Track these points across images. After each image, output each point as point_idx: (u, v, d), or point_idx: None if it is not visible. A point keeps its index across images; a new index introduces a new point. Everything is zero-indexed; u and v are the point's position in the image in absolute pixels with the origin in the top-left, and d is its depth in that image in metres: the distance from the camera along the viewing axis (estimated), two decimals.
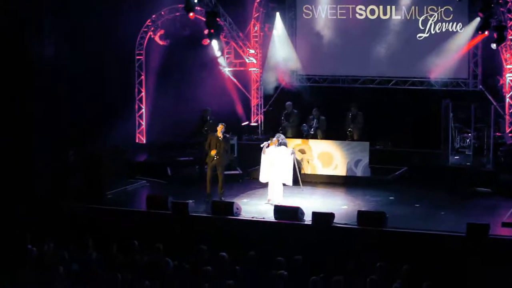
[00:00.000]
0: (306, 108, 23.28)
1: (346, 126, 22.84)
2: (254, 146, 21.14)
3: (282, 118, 23.28)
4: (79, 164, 19.49)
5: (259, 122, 25.76)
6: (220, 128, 18.94)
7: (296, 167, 19.06)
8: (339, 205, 18.60)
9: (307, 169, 21.61)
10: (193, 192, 19.56)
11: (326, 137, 22.57)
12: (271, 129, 24.36)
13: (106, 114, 22.76)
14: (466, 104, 21.46)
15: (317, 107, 22.91)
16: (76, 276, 13.33)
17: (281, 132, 22.43)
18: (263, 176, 18.94)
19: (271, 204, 18.07)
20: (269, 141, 18.85)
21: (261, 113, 25.88)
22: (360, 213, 16.54)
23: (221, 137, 18.84)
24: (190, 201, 17.81)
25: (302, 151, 21.64)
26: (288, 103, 23.41)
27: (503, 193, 19.39)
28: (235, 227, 16.97)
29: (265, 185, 18.95)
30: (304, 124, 22.69)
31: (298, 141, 21.87)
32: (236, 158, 22.41)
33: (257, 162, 20.63)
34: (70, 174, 19.33)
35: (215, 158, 18.84)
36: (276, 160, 18.68)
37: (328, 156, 21.48)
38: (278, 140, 18.77)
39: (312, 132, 22.55)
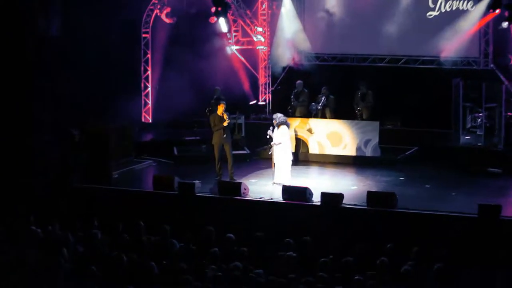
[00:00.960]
0: (315, 87, 23.03)
1: (355, 105, 22.65)
2: (262, 126, 21.03)
3: (292, 97, 23.05)
4: (85, 144, 19.38)
5: (267, 101, 25.59)
6: (220, 107, 18.73)
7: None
8: (348, 186, 18.46)
9: (315, 149, 21.43)
10: (200, 172, 19.46)
11: (335, 116, 22.38)
12: (279, 108, 24.19)
13: (112, 93, 22.67)
14: (477, 83, 21.25)
15: (326, 86, 22.66)
16: (81, 258, 13.20)
17: (290, 111, 22.32)
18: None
19: (279, 184, 17.90)
20: (271, 127, 18.62)
21: (269, 92, 25.70)
22: (369, 194, 16.39)
23: (225, 116, 18.62)
24: (197, 181, 17.69)
25: (311, 131, 21.45)
26: (299, 82, 23.17)
27: None
28: (243, 207, 16.87)
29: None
30: (313, 103, 22.45)
31: (307, 120, 21.67)
32: (243, 137, 22.27)
33: (265, 142, 20.49)
34: (76, 154, 19.22)
35: (223, 137, 18.65)
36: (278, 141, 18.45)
37: (337, 135, 21.30)
38: (276, 121, 18.54)
39: (320, 108, 22.26)
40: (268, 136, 18.61)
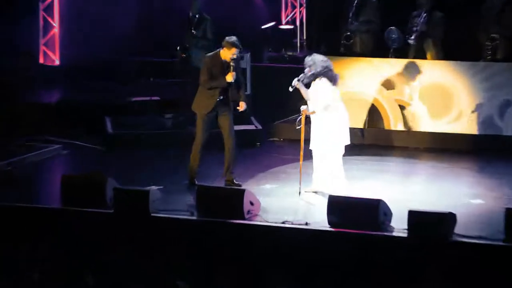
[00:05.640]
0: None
1: (483, 31, 22.67)
2: (287, 73, 20.96)
3: (351, 15, 23.13)
4: None
5: (298, 23, 25.80)
6: (229, 50, 18.67)
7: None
8: (465, 197, 18.49)
9: (398, 123, 21.54)
10: (160, 169, 19.80)
11: (444, 54, 22.54)
12: (320, 38, 24.23)
13: None
14: None
15: None
16: None
17: (345, 42, 22.34)
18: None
19: (320, 194, 18.03)
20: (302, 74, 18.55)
21: (300, 6, 25.77)
22: (510, 215, 16.24)
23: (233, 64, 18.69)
24: (154, 187, 17.77)
25: (388, 85, 21.52)
26: None
27: None
28: (248, 241, 16.81)
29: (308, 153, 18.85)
30: (392, 28, 22.46)
31: (380, 62, 21.86)
32: (250, 96, 22.34)
33: (289, 107, 20.45)
34: None
35: (220, 100, 18.66)
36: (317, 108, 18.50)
37: (443, 93, 21.53)
38: (311, 70, 18.36)
39: (412, 41, 22.40)
40: (291, 89, 18.47)
